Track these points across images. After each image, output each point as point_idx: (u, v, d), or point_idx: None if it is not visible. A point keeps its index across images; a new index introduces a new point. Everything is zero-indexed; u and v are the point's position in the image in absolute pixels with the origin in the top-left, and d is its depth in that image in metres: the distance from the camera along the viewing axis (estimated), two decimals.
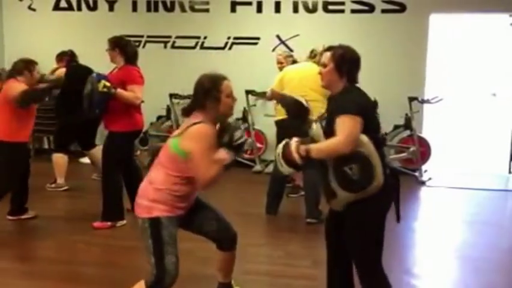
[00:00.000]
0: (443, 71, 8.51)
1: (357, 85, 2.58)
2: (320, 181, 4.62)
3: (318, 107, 3.75)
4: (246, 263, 3.65)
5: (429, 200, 5.86)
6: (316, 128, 2.59)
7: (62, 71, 5.89)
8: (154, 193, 2.57)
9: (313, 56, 4.85)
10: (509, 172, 6.98)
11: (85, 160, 6.57)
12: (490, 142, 7.83)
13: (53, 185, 5.71)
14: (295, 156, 2.42)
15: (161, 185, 2.57)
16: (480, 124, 8.58)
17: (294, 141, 2.47)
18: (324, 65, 2.56)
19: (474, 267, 3.89)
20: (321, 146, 2.44)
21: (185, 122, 2.63)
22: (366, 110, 2.45)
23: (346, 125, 2.36)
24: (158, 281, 2.55)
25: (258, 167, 6.78)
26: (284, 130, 4.73)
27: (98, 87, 4.17)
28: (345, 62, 2.52)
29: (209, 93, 2.56)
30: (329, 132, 2.44)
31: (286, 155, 2.46)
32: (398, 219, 2.56)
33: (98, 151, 5.43)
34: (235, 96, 2.68)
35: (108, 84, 4.20)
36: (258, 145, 6.91)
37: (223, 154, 2.54)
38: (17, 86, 4.34)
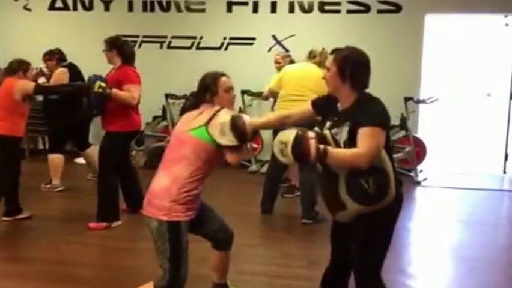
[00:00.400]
0: (438, 71, 8.53)
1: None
2: (316, 182, 4.69)
3: None
4: (242, 263, 3.65)
5: (425, 200, 5.87)
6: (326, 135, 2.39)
7: (61, 70, 5.80)
8: (177, 193, 2.52)
9: (312, 56, 4.84)
10: (504, 172, 7.02)
11: (80, 160, 6.55)
12: (485, 142, 7.85)
13: (48, 186, 5.69)
14: (313, 153, 2.16)
15: (189, 181, 2.53)
16: (475, 124, 8.60)
17: (312, 137, 2.19)
18: (328, 69, 2.40)
19: (469, 267, 3.90)
20: (339, 154, 2.22)
21: (192, 115, 2.65)
22: (389, 123, 2.34)
23: (371, 139, 2.19)
24: (170, 286, 2.53)
25: (253, 167, 6.78)
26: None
27: (93, 88, 4.18)
28: (347, 65, 2.34)
29: (207, 88, 2.68)
30: (340, 143, 2.28)
31: (300, 148, 2.17)
32: None
33: (93, 151, 5.43)
34: (233, 93, 2.75)
35: (103, 84, 4.20)
36: (254, 145, 6.90)
37: None
38: (23, 81, 4.59)
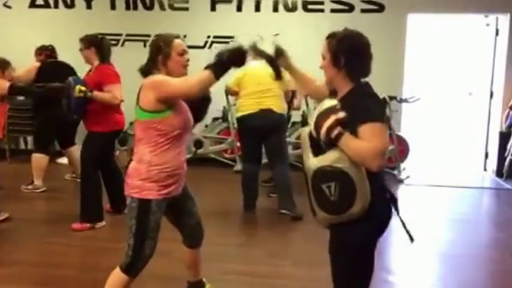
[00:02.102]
0: (420, 71, 8.62)
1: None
2: (289, 176, 4.75)
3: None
4: (226, 263, 3.65)
5: (408, 198, 5.93)
6: (303, 131, 2.17)
7: (34, 65, 5.68)
8: (146, 171, 2.53)
9: None
10: (484, 170, 7.12)
11: (62, 160, 6.49)
12: (466, 140, 7.97)
13: (29, 187, 5.59)
14: (324, 129, 1.97)
15: (151, 157, 2.52)
16: (457, 123, 8.72)
17: (338, 117, 1.97)
18: (323, 58, 2.15)
19: (452, 264, 3.96)
20: (355, 143, 1.95)
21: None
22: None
23: (378, 135, 1.95)
24: (132, 263, 2.55)
25: (238, 167, 6.76)
26: (244, 127, 4.83)
27: (74, 93, 4.12)
28: (341, 51, 2.07)
29: (160, 50, 2.58)
30: (329, 144, 1.99)
31: (320, 119, 1.99)
32: (411, 239, 2.16)
33: (77, 150, 5.37)
34: (187, 57, 2.64)
35: (83, 88, 4.15)
36: (238, 144, 6.89)
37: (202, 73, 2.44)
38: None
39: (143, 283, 2.92)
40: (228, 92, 5.21)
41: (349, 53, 2.08)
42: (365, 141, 1.94)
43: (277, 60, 2.38)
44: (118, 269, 2.60)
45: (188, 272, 3.06)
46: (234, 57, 2.43)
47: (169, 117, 2.52)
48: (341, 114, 1.97)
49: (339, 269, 2.14)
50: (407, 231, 2.14)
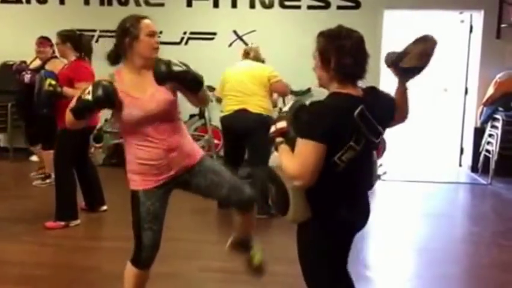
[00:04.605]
0: None
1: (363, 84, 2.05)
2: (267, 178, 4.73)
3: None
4: (202, 259, 3.62)
5: (385, 194, 5.97)
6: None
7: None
8: (130, 164, 2.54)
9: (246, 54, 4.91)
10: (460, 165, 7.21)
11: (35, 158, 6.37)
12: (442, 136, 8.07)
13: (48, 180, 5.51)
14: (273, 129, 2.04)
15: (127, 154, 2.53)
16: (432, 119, 8.82)
17: (279, 126, 2.02)
18: (314, 58, 2.02)
19: (428, 258, 3.99)
20: (283, 155, 1.96)
21: None
22: (332, 132, 1.87)
23: (299, 154, 1.87)
24: (136, 255, 2.55)
25: None
26: (222, 127, 4.83)
27: (44, 86, 4.04)
28: (329, 51, 1.92)
29: (127, 31, 2.43)
30: None
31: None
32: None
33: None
34: (157, 39, 2.49)
35: (53, 82, 4.06)
36: (215, 141, 6.87)
37: None
38: None
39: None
40: (218, 100, 5.06)
41: (339, 51, 1.91)
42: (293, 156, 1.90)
43: None
44: (128, 263, 2.58)
45: (238, 229, 2.90)
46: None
47: (116, 112, 2.48)
48: (280, 125, 1.99)
49: (303, 267, 2.14)
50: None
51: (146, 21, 2.47)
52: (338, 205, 2.00)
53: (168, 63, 2.30)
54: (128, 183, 2.58)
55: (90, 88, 2.34)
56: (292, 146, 1.92)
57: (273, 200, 2.05)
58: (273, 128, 2.01)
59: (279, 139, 1.99)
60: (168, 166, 2.52)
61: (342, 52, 1.91)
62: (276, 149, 2.00)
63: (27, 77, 4.84)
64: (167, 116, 2.50)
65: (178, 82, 2.38)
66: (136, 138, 2.48)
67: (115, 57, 2.52)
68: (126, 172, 2.57)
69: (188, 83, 2.40)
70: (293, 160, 1.88)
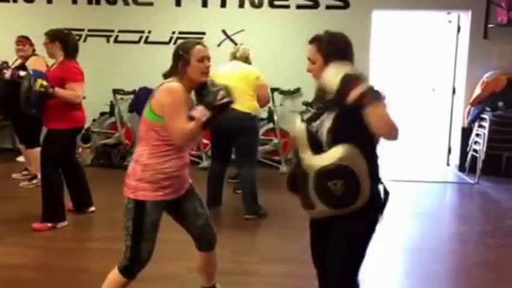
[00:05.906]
0: (385, 67, 8.73)
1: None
2: (255, 177, 4.74)
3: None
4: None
5: None
6: (299, 128, 2.24)
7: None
8: (141, 171, 2.51)
9: (234, 55, 4.91)
10: (447, 164, 7.26)
11: (22, 159, 6.30)
12: (430, 136, 8.12)
13: (34, 181, 5.45)
14: (355, 96, 2.12)
15: (148, 159, 2.51)
16: (420, 118, 8.88)
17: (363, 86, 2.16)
18: (313, 62, 2.28)
19: (416, 257, 4.01)
20: (382, 110, 2.17)
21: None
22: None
23: (384, 112, 2.13)
24: (130, 265, 2.54)
25: (204, 164, 6.72)
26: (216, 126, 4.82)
27: (35, 86, 4.00)
28: (333, 52, 2.23)
29: (180, 57, 2.56)
30: (336, 139, 2.13)
31: (345, 89, 2.15)
32: None
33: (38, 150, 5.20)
34: (208, 63, 2.63)
35: (45, 83, 4.03)
36: (205, 141, 6.84)
37: (199, 111, 2.49)
38: None
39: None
40: None
41: (339, 54, 2.21)
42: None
43: None
44: (116, 270, 2.57)
45: (200, 276, 3.00)
46: (221, 110, 2.56)
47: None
48: (361, 89, 2.08)
49: (344, 254, 2.30)
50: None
51: (198, 46, 2.60)
52: (377, 182, 2.29)
53: (217, 97, 2.53)
54: (124, 189, 2.55)
55: (223, 92, 2.56)
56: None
57: (337, 195, 2.11)
58: (356, 91, 2.08)
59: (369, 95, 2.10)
60: (180, 181, 2.63)
61: (343, 52, 2.26)
62: (368, 103, 2.10)
63: (7, 73, 4.80)
64: None
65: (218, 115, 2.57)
66: (173, 150, 2.53)
67: (165, 77, 2.63)
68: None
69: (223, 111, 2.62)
70: (387, 117, 2.11)
